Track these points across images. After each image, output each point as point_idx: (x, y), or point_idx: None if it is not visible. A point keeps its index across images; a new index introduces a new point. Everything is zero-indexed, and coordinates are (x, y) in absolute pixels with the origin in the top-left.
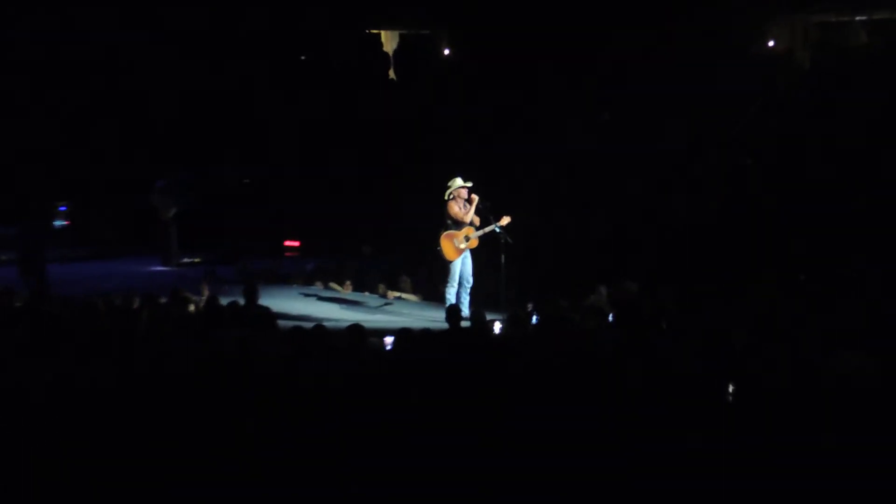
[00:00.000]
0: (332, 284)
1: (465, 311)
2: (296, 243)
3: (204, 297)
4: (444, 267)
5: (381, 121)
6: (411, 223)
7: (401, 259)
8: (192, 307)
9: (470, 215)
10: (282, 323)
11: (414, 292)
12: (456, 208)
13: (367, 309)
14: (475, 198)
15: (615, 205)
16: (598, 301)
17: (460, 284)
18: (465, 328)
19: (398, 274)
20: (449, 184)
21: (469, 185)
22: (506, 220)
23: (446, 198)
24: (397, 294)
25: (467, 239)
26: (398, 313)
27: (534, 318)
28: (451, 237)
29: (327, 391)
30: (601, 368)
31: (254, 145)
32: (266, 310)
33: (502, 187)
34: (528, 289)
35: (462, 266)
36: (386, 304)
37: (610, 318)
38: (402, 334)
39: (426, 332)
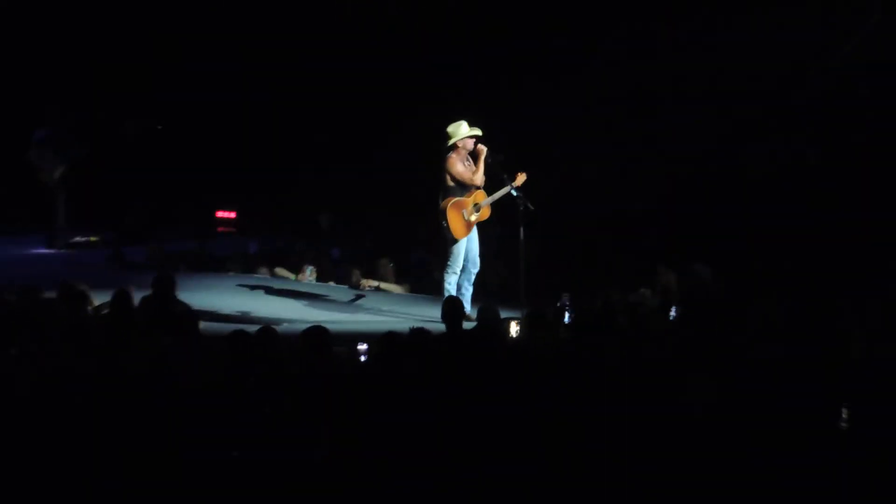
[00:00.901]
0: (283, 272)
1: (469, 307)
2: (231, 214)
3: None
4: (441, 246)
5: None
6: (389, 180)
7: (375, 234)
8: (90, 306)
9: (480, 175)
10: (211, 326)
11: (398, 281)
12: (460, 165)
13: (334, 305)
14: (483, 149)
15: (669, 164)
16: (650, 294)
17: (463, 270)
18: (470, 330)
19: (375, 256)
20: (449, 130)
21: (478, 133)
22: (522, 179)
23: (445, 151)
24: (374, 284)
25: (478, 208)
26: (376, 310)
27: (566, 317)
28: (458, 207)
29: (276, 422)
30: (664, 387)
31: (170, 72)
32: (186, 308)
33: (520, 139)
34: (556, 275)
35: (468, 245)
36: (359, 297)
37: (672, 314)
38: (382, 340)
39: (415, 336)
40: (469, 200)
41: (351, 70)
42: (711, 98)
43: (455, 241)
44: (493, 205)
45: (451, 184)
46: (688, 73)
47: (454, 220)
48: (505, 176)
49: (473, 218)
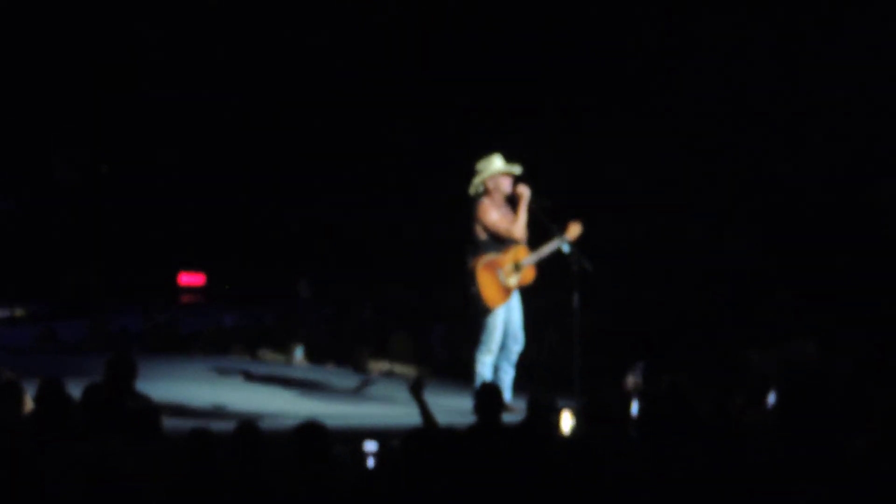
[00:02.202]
0: (267, 353)
1: (510, 395)
2: (198, 279)
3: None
4: (473, 317)
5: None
6: (400, 223)
7: (378, 302)
8: (25, 404)
9: (520, 225)
10: (177, 424)
11: (416, 363)
12: (494, 213)
13: (334, 394)
14: (524, 192)
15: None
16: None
17: (502, 348)
18: (512, 425)
19: (386, 330)
20: (478, 167)
21: (516, 170)
22: (576, 231)
23: (473, 193)
24: (386, 367)
25: (518, 269)
26: (388, 400)
27: (634, 406)
28: (493, 267)
29: None
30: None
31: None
32: (147, 402)
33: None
34: (621, 355)
35: (507, 316)
36: (366, 384)
37: (771, 400)
38: (404, 440)
39: (441, 433)
40: (507, 259)
41: (341, 78)
42: (832, 120)
43: (489, 311)
44: (540, 264)
45: (483, 237)
46: (802, 91)
47: (487, 285)
48: (554, 227)
49: (513, 281)
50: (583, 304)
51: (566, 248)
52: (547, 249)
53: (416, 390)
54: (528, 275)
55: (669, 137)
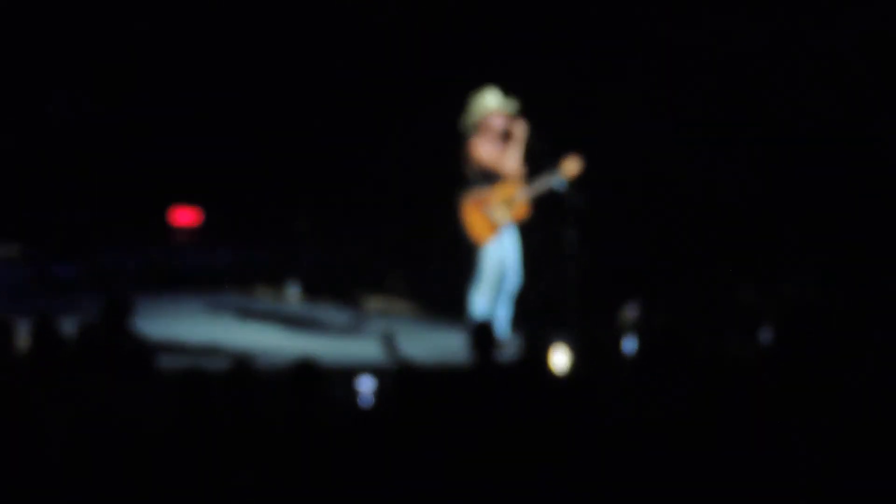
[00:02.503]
0: (260, 291)
1: (506, 333)
2: (193, 215)
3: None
4: (467, 254)
5: None
6: (396, 163)
7: (375, 238)
8: (18, 343)
9: (512, 160)
10: (172, 362)
11: (411, 299)
12: (482, 149)
13: (327, 332)
14: (518, 130)
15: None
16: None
17: (497, 285)
18: (507, 364)
19: (380, 266)
20: (472, 104)
21: (510, 108)
22: (573, 167)
23: (466, 130)
24: (381, 304)
25: (509, 204)
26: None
27: (629, 343)
28: (479, 204)
29: (253, 490)
30: (755, 439)
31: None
32: (139, 342)
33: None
34: (617, 292)
35: (501, 253)
36: (360, 322)
37: (764, 337)
38: (392, 375)
39: (436, 371)
40: (496, 195)
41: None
42: (830, 56)
43: (479, 246)
44: (535, 200)
45: (473, 173)
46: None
47: (475, 222)
48: (550, 162)
49: (502, 217)
50: (578, 242)
51: (561, 185)
52: (540, 185)
53: (389, 344)
54: (520, 211)
55: (668, 70)
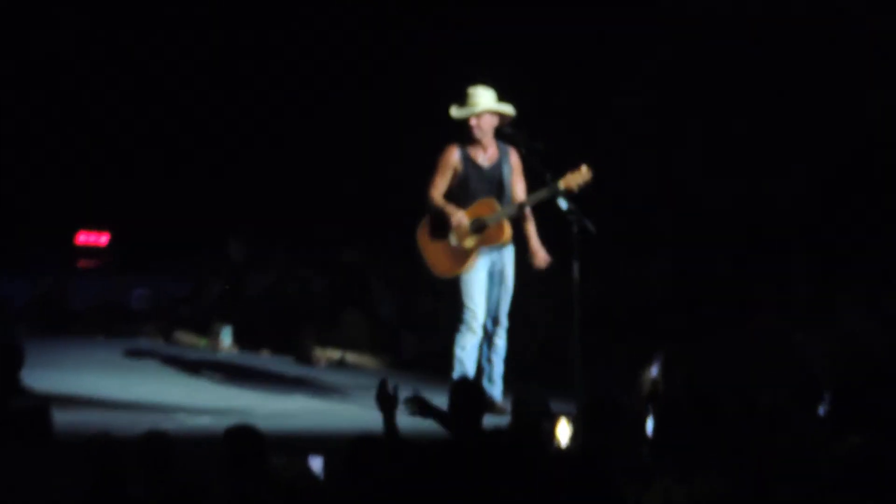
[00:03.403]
0: (186, 336)
1: (497, 392)
2: (100, 238)
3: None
4: (449, 290)
5: None
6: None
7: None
8: None
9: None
10: (74, 425)
11: (375, 349)
12: (443, 162)
13: (271, 389)
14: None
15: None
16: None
17: (484, 328)
18: (497, 431)
19: (336, 304)
20: (459, 106)
21: (509, 110)
22: (578, 179)
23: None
24: (335, 355)
25: (478, 227)
26: (339, 398)
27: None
28: (439, 227)
29: None
30: None
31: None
32: (35, 399)
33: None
34: (630, 336)
35: (487, 287)
36: (310, 376)
37: (821, 410)
38: (350, 448)
39: (401, 442)
40: (464, 218)
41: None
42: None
43: (455, 277)
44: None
45: (441, 186)
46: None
47: (431, 250)
48: (547, 175)
49: (470, 243)
50: (584, 275)
51: (564, 204)
52: (527, 202)
53: (385, 402)
54: (494, 234)
55: (691, 59)
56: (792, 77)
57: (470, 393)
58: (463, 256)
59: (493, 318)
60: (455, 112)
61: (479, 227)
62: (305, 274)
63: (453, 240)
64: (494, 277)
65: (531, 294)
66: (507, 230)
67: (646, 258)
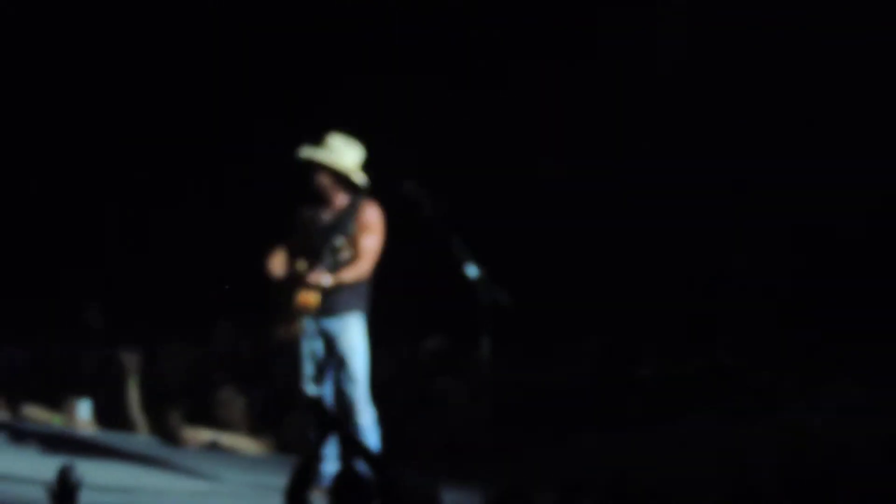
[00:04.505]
0: (36, 411)
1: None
2: None
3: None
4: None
5: None
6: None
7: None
8: None
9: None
10: None
11: (254, 429)
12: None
13: (134, 477)
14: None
15: None
16: None
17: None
18: None
19: (210, 383)
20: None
21: (325, 159)
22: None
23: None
24: (208, 436)
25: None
26: (212, 490)
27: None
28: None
29: None
30: None
31: None
32: None
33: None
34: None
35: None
36: (173, 460)
37: None
38: None
39: None
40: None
41: None
42: None
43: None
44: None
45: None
46: None
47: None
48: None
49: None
50: (495, 351)
51: (472, 272)
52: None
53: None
54: (307, 300)
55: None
56: None
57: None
58: (289, 326)
59: (339, 373)
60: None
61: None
62: (171, 343)
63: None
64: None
65: (430, 371)
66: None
67: (570, 337)
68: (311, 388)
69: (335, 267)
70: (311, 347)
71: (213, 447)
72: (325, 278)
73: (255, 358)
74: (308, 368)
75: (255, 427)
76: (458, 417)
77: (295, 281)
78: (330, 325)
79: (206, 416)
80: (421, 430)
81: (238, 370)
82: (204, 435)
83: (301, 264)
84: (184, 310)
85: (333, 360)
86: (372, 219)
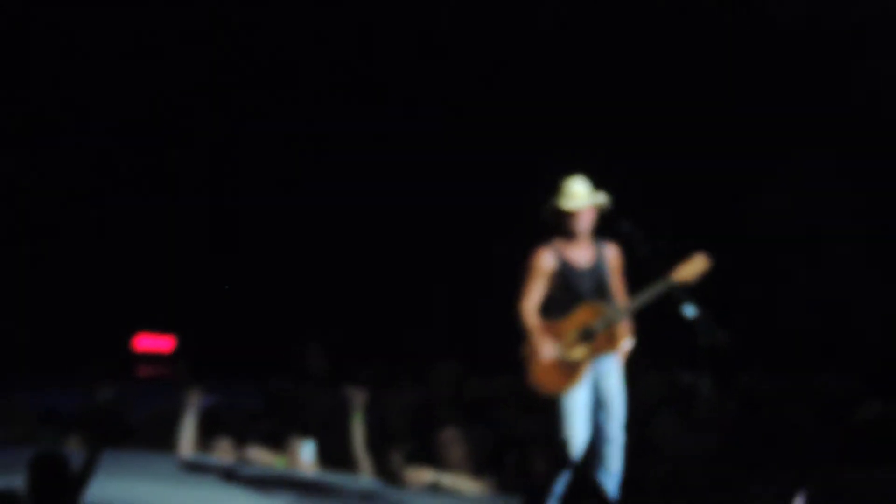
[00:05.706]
0: (260, 454)
1: None
2: (164, 343)
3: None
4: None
5: None
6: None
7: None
8: None
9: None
10: None
11: (478, 471)
12: (536, 264)
13: None
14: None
15: None
16: None
17: (593, 452)
18: None
19: (433, 424)
20: (556, 200)
21: (601, 201)
22: (693, 269)
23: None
24: (430, 477)
25: (589, 335)
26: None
27: None
28: (545, 343)
29: None
30: None
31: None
32: None
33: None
34: (770, 464)
35: (592, 396)
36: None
37: None
38: None
39: None
40: (567, 325)
41: None
42: None
43: (555, 396)
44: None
45: (536, 295)
46: None
47: (539, 371)
48: (657, 264)
49: (579, 354)
50: (719, 388)
51: (690, 311)
52: (636, 303)
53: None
54: (606, 342)
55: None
56: None
57: None
58: (570, 373)
59: (605, 427)
60: (556, 207)
61: (588, 335)
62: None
63: (563, 352)
64: (599, 381)
65: (651, 411)
66: (620, 336)
67: (795, 374)
68: (579, 450)
69: (617, 315)
70: (585, 398)
71: (435, 488)
72: (628, 342)
73: (477, 398)
74: (580, 424)
75: (477, 468)
76: (679, 454)
77: (587, 336)
78: (600, 364)
79: (428, 457)
80: (643, 467)
81: (460, 410)
82: (425, 475)
83: (586, 315)
84: (406, 351)
85: (605, 399)
86: (621, 259)
